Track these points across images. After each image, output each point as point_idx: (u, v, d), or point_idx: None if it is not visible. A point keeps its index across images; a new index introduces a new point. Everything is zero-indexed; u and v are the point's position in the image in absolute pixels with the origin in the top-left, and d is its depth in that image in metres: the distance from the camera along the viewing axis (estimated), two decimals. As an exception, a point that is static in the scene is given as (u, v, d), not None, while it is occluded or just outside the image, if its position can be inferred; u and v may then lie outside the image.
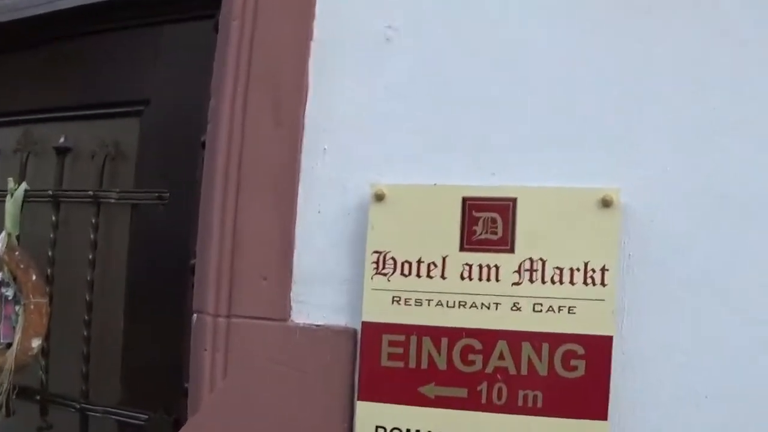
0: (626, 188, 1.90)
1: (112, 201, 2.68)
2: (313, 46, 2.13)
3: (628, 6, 1.95)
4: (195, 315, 2.16)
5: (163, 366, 2.47)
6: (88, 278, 2.69)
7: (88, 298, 2.68)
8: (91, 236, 2.70)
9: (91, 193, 2.71)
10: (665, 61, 1.93)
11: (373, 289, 2.00)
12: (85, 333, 2.68)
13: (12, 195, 2.65)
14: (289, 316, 2.09)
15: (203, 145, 2.24)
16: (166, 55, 2.68)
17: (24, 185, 2.68)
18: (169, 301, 2.48)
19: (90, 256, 2.69)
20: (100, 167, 2.74)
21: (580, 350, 1.87)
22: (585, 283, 1.88)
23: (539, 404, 1.89)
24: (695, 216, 1.89)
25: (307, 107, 2.12)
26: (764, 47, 1.89)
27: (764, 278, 1.85)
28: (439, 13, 2.06)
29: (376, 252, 2.01)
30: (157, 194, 2.58)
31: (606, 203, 1.89)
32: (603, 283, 1.87)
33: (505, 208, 1.95)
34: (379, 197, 2.01)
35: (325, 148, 2.10)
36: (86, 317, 2.68)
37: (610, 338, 1.87)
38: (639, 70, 1.94)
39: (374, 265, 2.00)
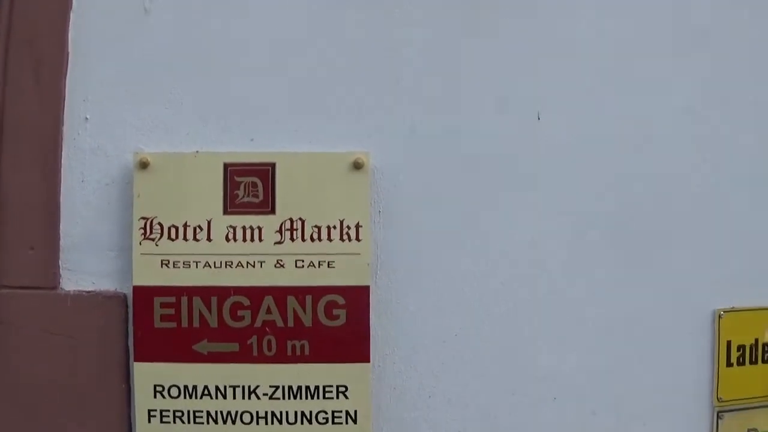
0: (376, 151, 2.08)
1: None
2: (73, 17, 2.13)
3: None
4: (-44, 288, 2.14)
5: None
6: None
7: None
8: None
9: None
10: (415, 31, 2.12)
11: (142, 254, 2.07)
12: None
13: None
14: (59, 284, 2.11)
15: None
16: None
17: None
18: None
19: None
20: None
21: (341, 300, 2.05)
22: (342, 239, 2.05)
23: (307, 352, 2.05)
24: (440, 174, 2.10)
25: (68, 77, 2.12)
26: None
27: (504, 229, 2.12)
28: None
29: (143, 218, 2.07)
30: None
31: (357, 166, 2.05)
32: (358, 239, 2.05)
33: (264, 173, 2.07)
34: (144, 165, 2.07)
35: (87, 118, 2.12)
36: None
37: (367, 288, 2.05)
38: (386, 40, 2.11)
39: (142, 231, 2.07)
